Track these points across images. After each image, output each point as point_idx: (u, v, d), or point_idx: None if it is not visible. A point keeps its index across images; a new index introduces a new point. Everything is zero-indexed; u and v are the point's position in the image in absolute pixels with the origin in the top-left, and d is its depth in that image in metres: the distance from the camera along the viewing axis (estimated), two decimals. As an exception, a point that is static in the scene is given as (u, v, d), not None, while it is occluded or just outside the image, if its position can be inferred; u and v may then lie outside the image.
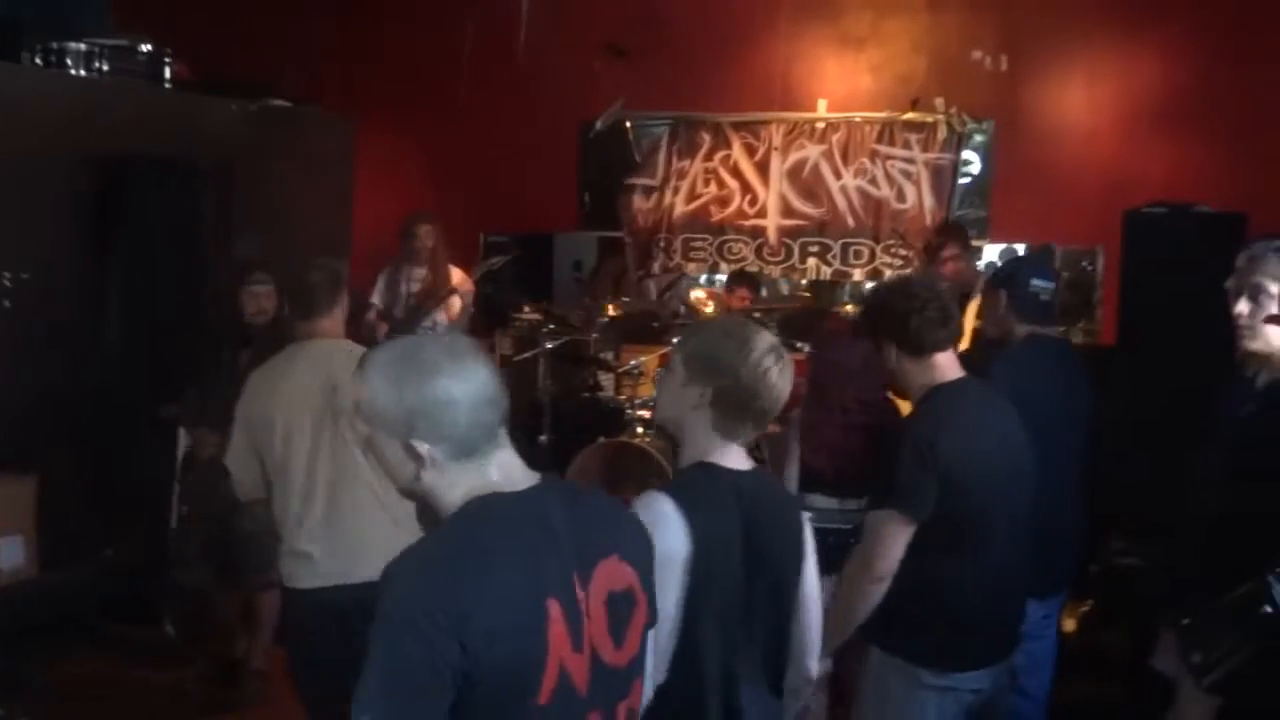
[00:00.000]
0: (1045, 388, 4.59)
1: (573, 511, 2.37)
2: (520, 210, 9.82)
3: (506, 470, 2.36)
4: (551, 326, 8.56)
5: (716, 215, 9.65)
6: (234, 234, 7.71)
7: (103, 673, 6.65)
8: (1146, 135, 8.76)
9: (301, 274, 4.85)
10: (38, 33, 7.67)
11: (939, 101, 9.12)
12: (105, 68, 7.85)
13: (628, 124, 9.71)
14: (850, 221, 9.39)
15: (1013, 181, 9.15)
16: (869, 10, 9.43)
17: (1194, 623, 3.35)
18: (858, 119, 9.35)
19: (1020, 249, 9.02)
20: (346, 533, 4.59)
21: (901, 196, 9.28)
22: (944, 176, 9.22)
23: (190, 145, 7.83)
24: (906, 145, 9.27)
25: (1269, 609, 3.14)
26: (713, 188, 9.64)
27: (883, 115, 9.29)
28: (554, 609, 2.23)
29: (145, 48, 8.17)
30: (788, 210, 9.50)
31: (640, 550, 2.48)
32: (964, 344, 5.62)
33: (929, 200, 9.22)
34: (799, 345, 7.96)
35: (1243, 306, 3.58)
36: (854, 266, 9.39)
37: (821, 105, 9.48)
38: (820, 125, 9.42)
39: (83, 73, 7.76)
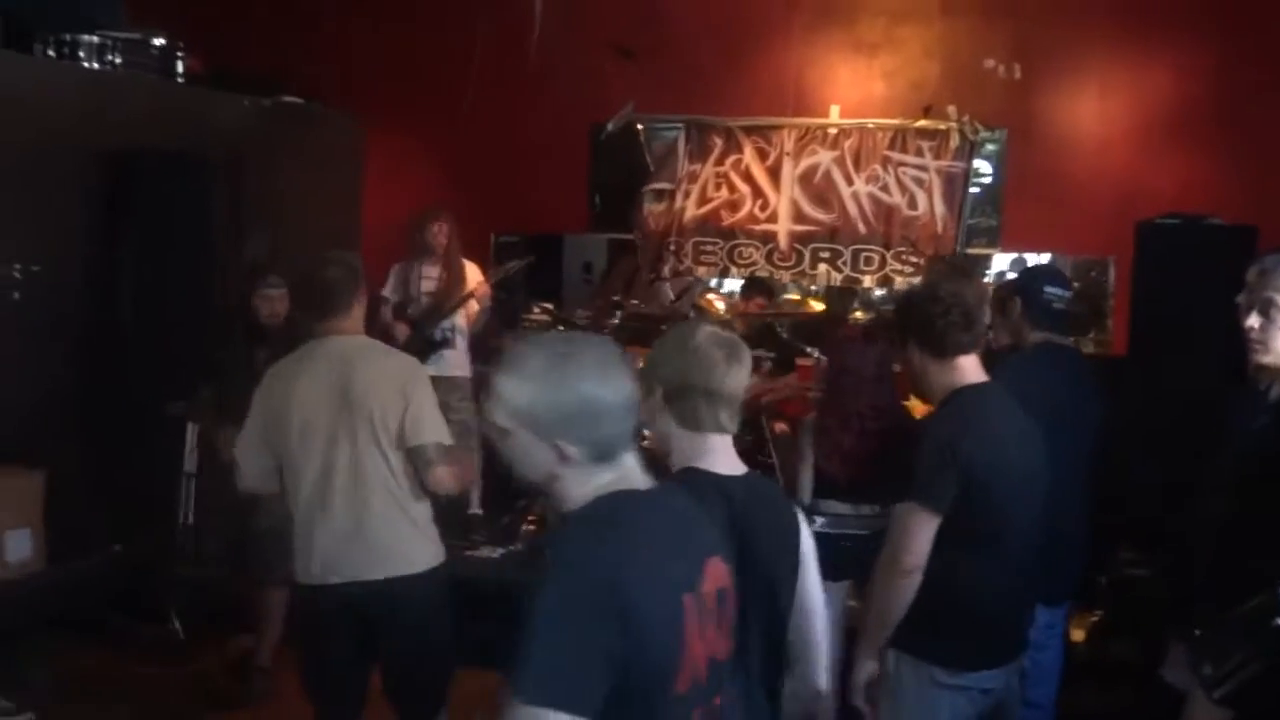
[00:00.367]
0: (1047, 394, 4.58)
1: (689, 510, 2.49)
2: (530, 211, 9.82)
3: (632, 471, 2.44)
4: (560, 328, 8.56)
5: (727, 219, 9.64)
6: (244, 229, 7.71)
7: (109, 668, 6.66)
8: (1159, 146, 8.76)
9: (318, 270, 4.79)
10: (50, 25, 7.66)
11: (952, 109, 9.10)
12: (118, 61, 7.84)
13: (639, 127, 9.70)
14: (861, 228, 9.37)
15: (1024, 190, 9.14)
16: (882, 17, 9.43)
17: (1205, 634, 3.34)
18: (870, 125, 9.34)
19: (1031, 258, 9.00)
20: (359, 531, 4.58)
21: (913, 204, 9.26)
22: (956, 184, 9.20)
23: (201, 140, 7.82)
24: (919, 152, 9.25)
25: (1280, 621, 3.13)
26: (724, 192, 9.63)
27: (895, 122, 9.27)
28: (689, 602, 2.32)
29: (158, 42, 8.16)
30: (799, 216, 9.48)
31: (729, 549, 2.55)
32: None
33: (940, 208, 9.20)
34: (810, 351, 7.98)
35: (1254, 320, 3.57)
36: (864, 273, 9.37)
37: (834, 111, 9.47)
38: (832, 131, 9.41)
39: (95, 65, 7.75)
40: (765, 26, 9.54)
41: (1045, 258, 9.09)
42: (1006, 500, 3.87)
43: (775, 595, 3.14)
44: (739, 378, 3.10)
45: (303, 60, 9.63)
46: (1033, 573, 4.09)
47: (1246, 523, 3.52)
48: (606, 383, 2.39)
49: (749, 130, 9.55)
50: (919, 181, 9.23)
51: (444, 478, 4.64)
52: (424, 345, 7.72)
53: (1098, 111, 9.04)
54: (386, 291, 8.09)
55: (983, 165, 9.30)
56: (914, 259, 9.17)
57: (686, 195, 9.68)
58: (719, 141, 9.61)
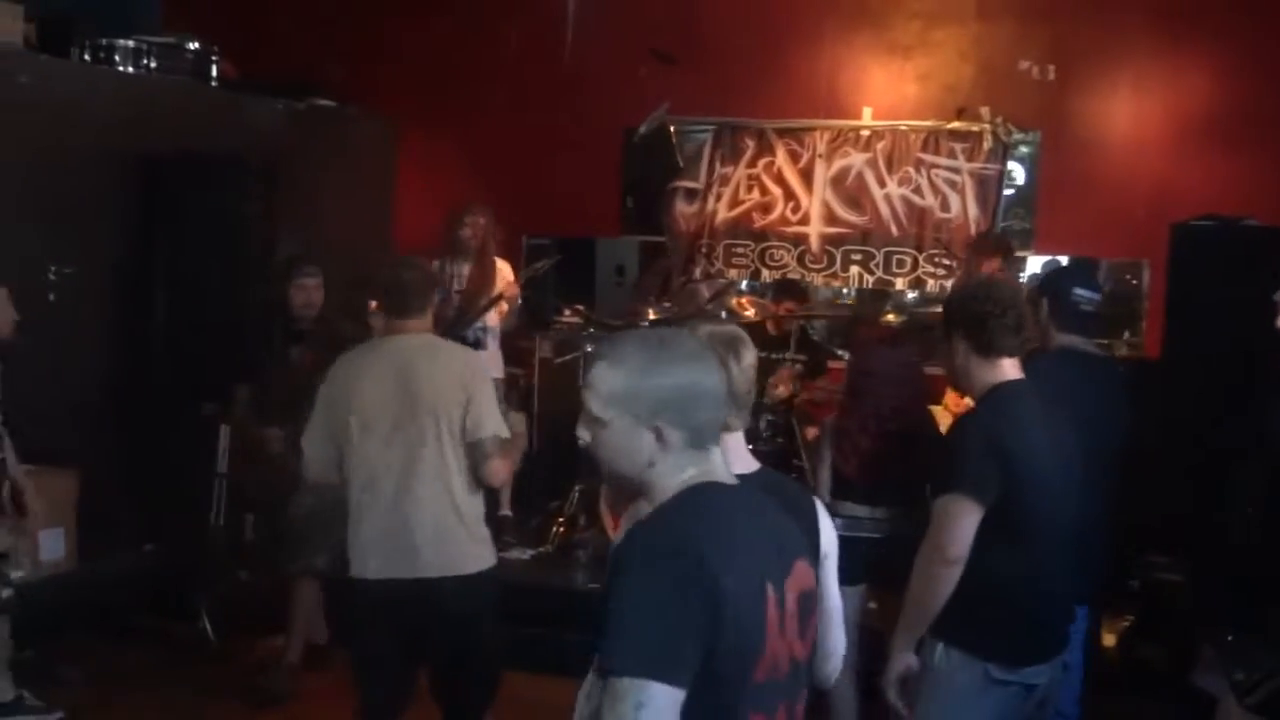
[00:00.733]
0: (1066, 398, 4.54)
1: (772, 509, 2.52)
2: (562, 214, 9.82)
3: (720, 465, 2.47)
4: (592, 330, 8.56)
5: (759, 222, 9.61)
6: (277, 232, 7.74)
7: (140, 667, 6.69)
8: (1194, 148, 8.69)
9: (397, 271, 4.86)
10: (87, 29, 7.73)
11: (985, 111, 9.05)
12: (153, 65, 7.91)
13: (671, 129, 9.69)
14: (894, 230, 9.33)
15: (1058, 193, 9.08)
16: (917, 19, 9.38)
17: (1237, 640, 3.32)
18: (903, 127, 9.30)
19: (1065, 261, 8.95)
20: (410, 529, 4.61)
21: (946, 206, 9.22)
22: (989, 186, 9.15)
23: (235, 143, 7.88)
24: (952, 155, 9.21)
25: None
26: (755, 194, 9.61)
27: (928, 124, 9.23)
28: (770, 591, 2.33)
29: (193, 46, 8.23)
30: (831, 218, 9.46)
31: (814, 557, 2.60)
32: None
33: (973, 210, 9.15)
34: (841, 354, 7.95)
35: None
36: (896, 275, 9.34)
37: (867, 113, 9.43)
38: (865, 133, 9.37)
39: (131, 70, 7.83)
40: (798, 29, 9.51)
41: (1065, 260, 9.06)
42: (1046, 494, 3.91)
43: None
44: (743, 374, 3.12)
45: (336, 63, 9.66)
46: (1071, 567, 4.12)
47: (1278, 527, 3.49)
48: (702, 368, 2.43)
49: (781, 132, 9.53)
50: (952, 184, 9.19)
51: (499, 470, 4.72)
52: None
53: (1132, 113, 8.97)
54: None
55: (1016, 167, 9.24)
56: (947, 261, 9.13)
57: (718, 197, 9.66)
58: (751, 143, 9.59)
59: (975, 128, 9.10)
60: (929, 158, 9.22)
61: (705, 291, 9.63)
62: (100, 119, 7.34)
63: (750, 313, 9.06)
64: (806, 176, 9.47)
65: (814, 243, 9.48)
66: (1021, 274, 8.63)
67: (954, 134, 9.16)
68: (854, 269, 9.42)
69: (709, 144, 9.69)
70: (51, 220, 7.04)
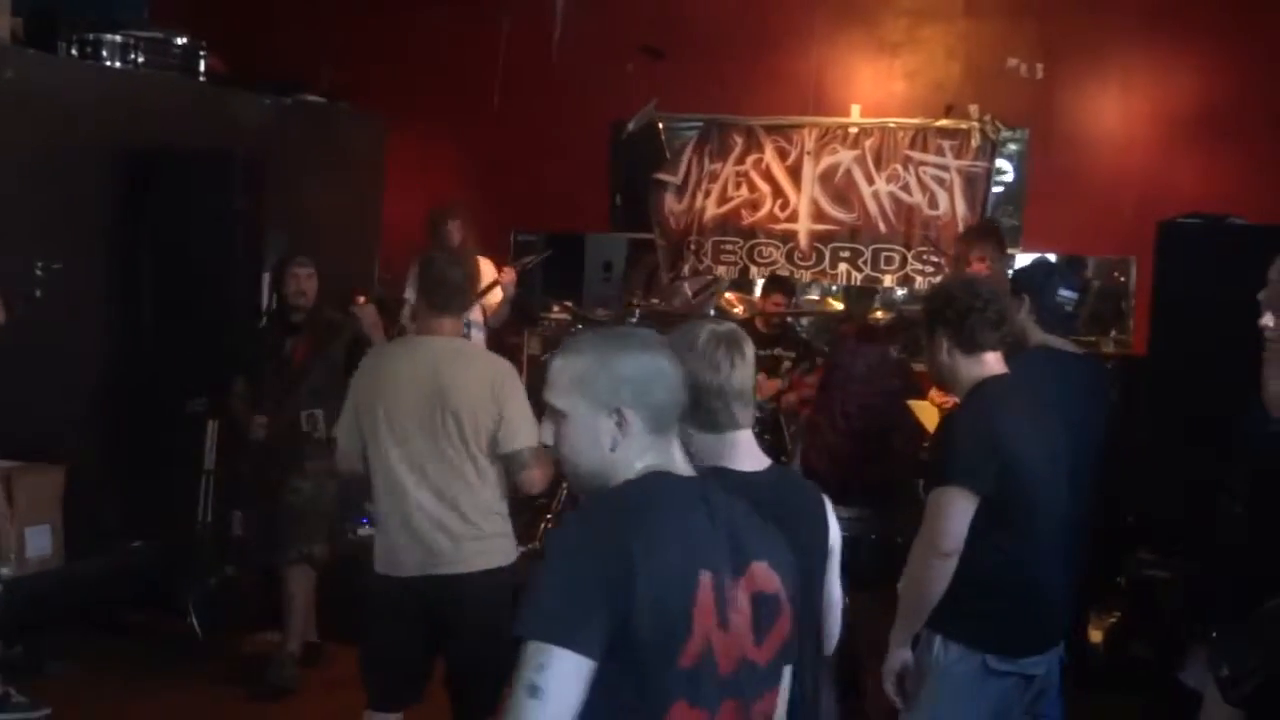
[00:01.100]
0: (1040, 398, 4.54)
1: (732, 509, 2.50)
2: (551, 210, 9.81)
3: (678, 457, 2.51)
4: (580, 326, 8.55)
5: (747, 219, 9.62)
6: (265, 228, 7.72)
7: (127, 664, 6.67)
8: (1182, 145, 8.71)
9: (446, 267, 4.86)
10: (74, 24, 7.70)
11: (973, 109, 9.07)
12: (141, 60, 7.88)
13: (660, 125, 9.69)
14: (882, 227, 9.35)
15: (1046, 190, 9.09)
16: (905, 16, 9.39)
17: (1222, 636, 3.33)
18: (891, 125, 9.31)
19: (1053, 258, 8.95)
20: (429, 526, 4.61)
21: (934, 203, 9.23)
22: (977, 184, 9.16)
23: (223, 139, 7.86)
24: (940, 152, 9.22)
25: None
26: (744, 191, 9.61)
27: (916, 121, 9.24)
28: (705, 579, 2.34)
29: (180, 41, 8.21)
30: (819, 215, 9.47)
31: (786, 569, 2.55)
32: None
33: (961, 207, 9.17)
34: (828, 350, 7.97)
35: (1268, 320, 3.56)
36: (885, 273, 9.35)
37: (855, 110, 9.44)
38: (853, 130, 9.38)
39: (118, 64, 7.79)
40: (786, 26, 9.51)
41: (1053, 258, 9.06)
42: (1038, 485, 3.94)
43: (809, 588, 3.14)
44: (747, 370, 3.13)
45: (324, 59, 9.64)
46: (1068, 560, 4.16)
47: (1264, 527, 3.50)
48: (658, 354, 2.50)
49: (770, 129, 9.54)
50: (940, 181, 9.20)
51: (537, 479, 4.73)
52: None
53: (1120, 111, 8.99)
54: (407, 292, 8.09)
55: (1004, 165, 9.25)
56: (935, 259, 9.14)
57: (706, 194, 9.67)
58: (739, 140, 9.59)
59: (963, 125, 9.11)
60: (917, 155, 9.23)
61: (688, 289, 9.65)
62: (87, 114, 7.31)
63: (739, 310, 9.08)
64: (795, 174, 9.48)
65: (802, 240, 9.49)
66: (1011, 270, 8.63)
67: (942, 131, 9.17)
68: (843, 266, 9.43)
69: (693, 140, 9.69)
70: (38, 216, 7.02)
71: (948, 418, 4.20)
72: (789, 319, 8.50)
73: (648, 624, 2.24)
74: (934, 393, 6.51)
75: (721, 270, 9.69)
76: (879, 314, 8.82)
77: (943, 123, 9.14)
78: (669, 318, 9.35)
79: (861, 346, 7.13)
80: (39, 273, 7.09)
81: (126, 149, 7.50)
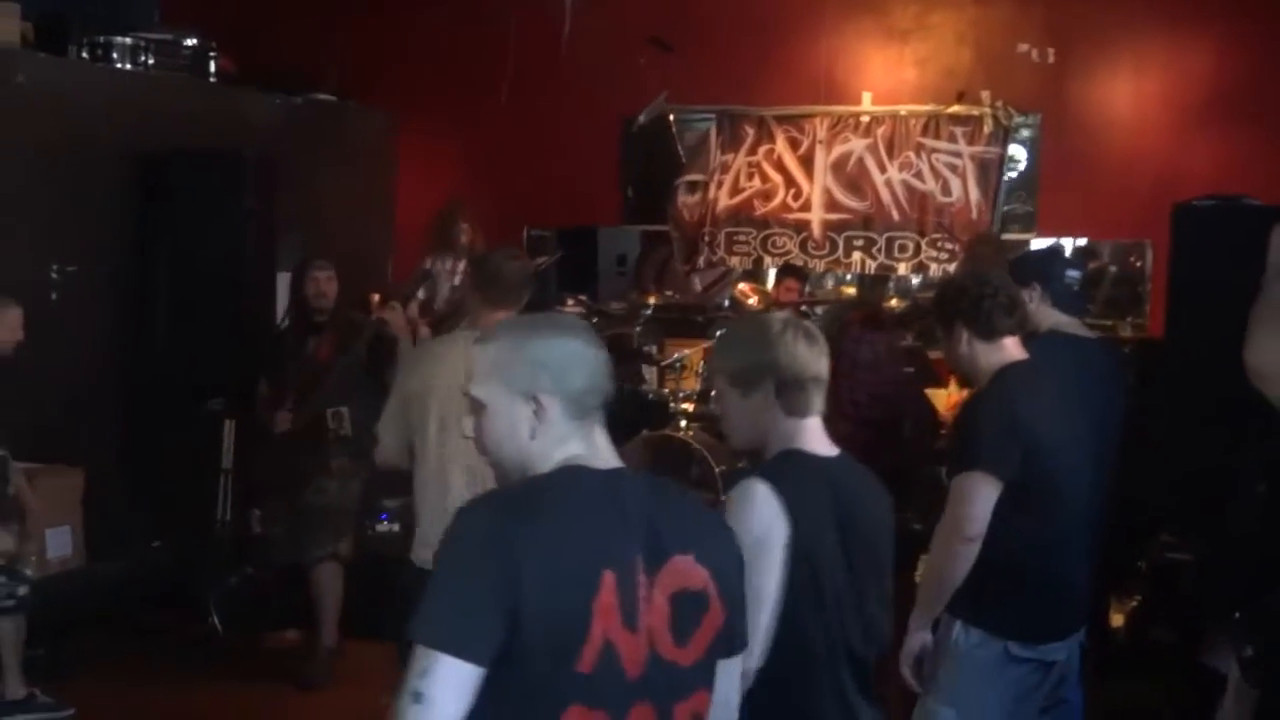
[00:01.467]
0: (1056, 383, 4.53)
1: (652, 501, 2.39)
2: (563, 204, 9.82)
3: (601, 447, 2.43)
4: (594, 320, 8.56)
5: (760, 209, 9.61)
6: (277, 227, 7.74)
7: (149, 664, 6.69)
8: (1195, 127, 8.68)
9: (505, 261, 4.84)
10: (84, 27, 7.72)
11: (985, 94, 9.05)
12: (151, 61, 7.90)
13: (671, 117, 9.69)
14: (895, 215, 9.33)
15: (1060, 175, 9.07)
16: (914, 3, 9.37)
17: (1245, 617, 3.32)
18: (903, 112, 9.29)
19: (1068, 244, 8.94)
20: None
21: (947, 190, 9.21)
22: (990, 170, 9.14)
23: (234, 139, 7.88)
24: (952, 139, 9.20)
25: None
26: (756, 181, 9.60)
27: (928, 108, 9.22)
28: (608, 578, 2.24)
29: (191, 42, 8.22)
30: (832, 204, 9.45)
31: (722, 559, 2.44)
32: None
33: (975, 194, 9.15)
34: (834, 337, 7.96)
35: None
36: (899, 260, 9.33)
37: (866, 98, 9.42)
38: (865, 119, 9.36)
39: (129, 66, 7.82)
40: (796, 15, 9.50)
41: (1081, 242, 9.06)
42: (1062, 470, 3.94)
43: (881, 574, 3.16)
44: (822, 357, 3.17)
45: (334, 58, 9.66)
46: (1089, 545, 4.14)
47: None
48: (577, 337, 2.42)
49: (781, 119, 9.52)
50: (953, 168, 9.18)
51: None
52: None
53: (1133, 94, 8.96)
54: (421, 292, 8.08)
55: (1017, 150, 9.23)
56: (949, 245, 9.12)
57: (719, 186, 9.66)
58: (751, 131, 9.58)
59: (975, 111, 9.09)
60: (929, 142, 9.21)
61: (698, 282, 9.65)
62: (99, 117, 7.33)
63: (754, 300, 9.07)
64: (807, 163, 9.47)
65: (816, 229, 9.48)
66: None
67: (954, 118, 9.15)
68: (856, 255, 9.41)
69: (709, 132, 9.68)
70: (52, 219, 7.04)
71: (970, 403, 4.19)
72: (803, 308, 8.48)
73: (539, 628, 2.17)
74: (954, 385, 6.52)
75: (735, 261, 9.68)
76: (894, 302, 8.81)
77: (955, 109, 9.12)
78: (683, 310, 9.37)
79: (866, 334, 7.11)
80: (54, 276, 7.11)
81: (138, 151, 7.52)
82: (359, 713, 5.86)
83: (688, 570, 2.35)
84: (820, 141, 9.41)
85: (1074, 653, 4.13)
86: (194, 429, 7.32)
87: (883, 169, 9.31)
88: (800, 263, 9.37)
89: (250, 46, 9.17)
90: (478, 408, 2.44)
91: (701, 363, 8.34)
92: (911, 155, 9.24)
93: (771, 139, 9.54)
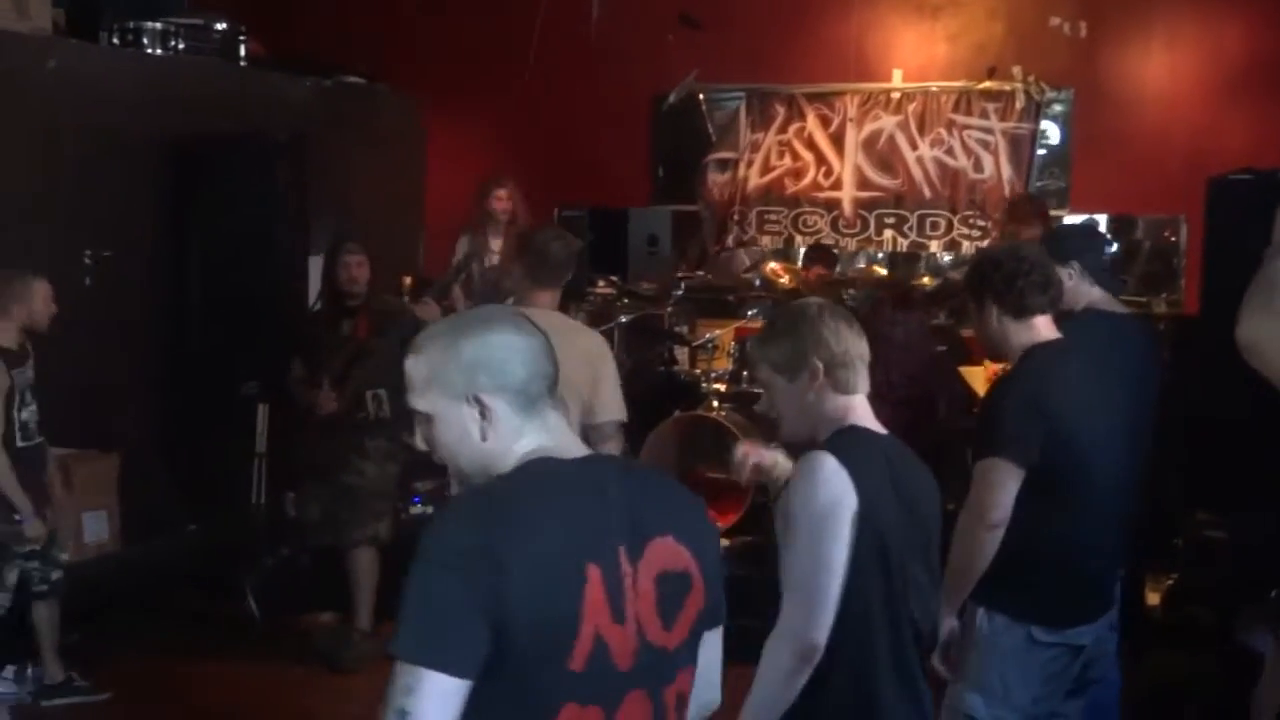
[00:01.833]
0: (1095, 360, 4.48)
1: (626, 485, 2.34)
2: (593, 184, 9.81)
3: (560, 433, 2.37)
4: (625, 300, 8.54)
5: (791, 188, 9.58)
6: (309, 209, 7.75)
7: (185, 647, 6.73)
8: (1229, 100, 8.60)
9: (548, 240, 4.86)
10: (115, 12, 7.74)
11: (1016, 70, 8.98)
12: (181, 46, 7.92)
13: (701, 97, 9.66)
14: (927, 193, 9.29)
15: (1093, 150, 9.01)
16: (945, -22, 9.32)
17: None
18: (934, 89, 9.24)
19: (1101, 220, 8.87)
20: None
21: (979, 167, 9.17)
22: (1022, 146, 9.09)
23: (265, 122, 7.89)
24: (984, 115, 9.15)
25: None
26: (787, 160, 9.58)
27: (959, 85, 9.17)
28: (593, 573, 2.20)
29: (221, 26, 8.23)
30: (863, 182, 9.42)
31: (699, 536, 2.40)
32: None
33: (1007, 170, 9.10)
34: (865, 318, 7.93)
35: None
36: (931, 238, 9.29)
37: (897, 75, 9.37)
38: (895, 95, 9.32)
39: (159, 51, 7.83)
40: (826, -8, 9.47)
41: (1104, 219, 8.98)
42: (1090, 452, 3.89)
43: (930, 549, 3.20)
44: (860, 337, 3.22)
45: (363, 40, 9.67)
46: (1118, 527, 4.10)
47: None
48: (513, 328, 2.35)
49: (811, 97, 9.49)
50: (985, 144, 9.13)
51: (615, 453, 4.73)
52: None
53: (1166, 67, 8.88)
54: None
55: (1050, 126, 9.17)
56: (981, 223, 9.08)
57: (749, 164, 9.64)
58: (781, 109, 9.55)
59: (1007, 87, 9.04)
60: (961, 119, 9.17)
61: (745, 259, 9.62)
62: (130, 101, 7.35)
63: (785, 280, 9.05)
64: (838, 141, 9.44)
65: (847, 207, 9.44)
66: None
67: (986, 94, 9.10)
68: (888, 233, 9.38)
69: (739, 111, 9.65)
70: (86, 205, 7.07)
71: (995, 385, 4.15)
72: (836, 288, 8.45)
73: (527, 632, 2.12)
74: (989, 361, 6.48)
75: (766, 240, 9.66)
76: (925, 280, 8.77)
77: (986, 85, 9.06)
78: (714, 290, 9.35)
79: (898, 314, 7.08)
80: (88, 261, 7.14)
81: (170, 135, 7.55)
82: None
83: (670, 551, 2.33)
84: (851, 119, 9.37)
85: (1104, 635, 4.10)
86: (228, 413, 7.36)
87: (914, 146, 9.27)
88: (831, 241, 9.34)
89: (279, 30, 9.18)
90: (422, 420, 2.36)
91: (733, 343, 8.32)
92: (943, 132, 9.20)
93: (802, 117, 9.51)
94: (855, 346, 3.16)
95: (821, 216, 9.50)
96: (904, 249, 9.36)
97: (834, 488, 2.97)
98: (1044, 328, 4.02)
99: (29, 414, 5.80)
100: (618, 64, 9.53)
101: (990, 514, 3.80)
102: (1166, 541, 6.55)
